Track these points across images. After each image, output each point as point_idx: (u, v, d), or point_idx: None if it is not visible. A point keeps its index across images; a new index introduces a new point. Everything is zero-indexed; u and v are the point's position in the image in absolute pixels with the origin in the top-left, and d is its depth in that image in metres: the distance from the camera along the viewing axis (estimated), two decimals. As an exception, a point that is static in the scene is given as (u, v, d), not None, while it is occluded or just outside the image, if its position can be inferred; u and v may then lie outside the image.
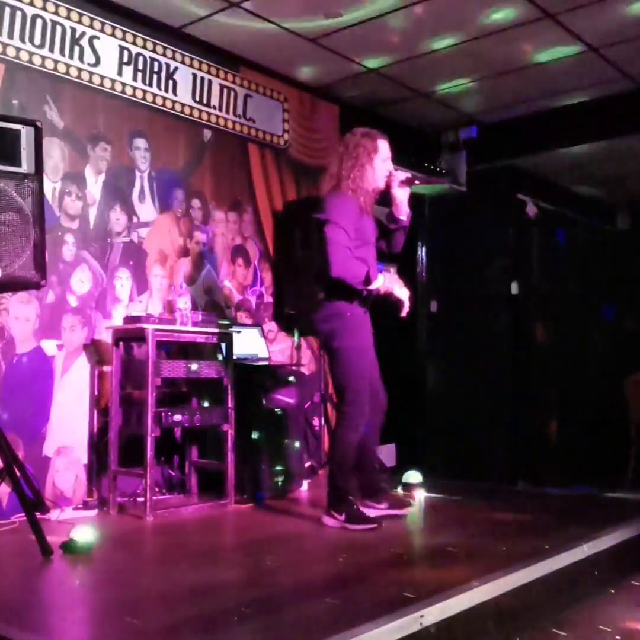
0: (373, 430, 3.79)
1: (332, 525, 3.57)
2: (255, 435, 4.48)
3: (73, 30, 4.34)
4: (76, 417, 4.28)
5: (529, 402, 6.34)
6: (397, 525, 3.76)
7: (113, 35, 4.54)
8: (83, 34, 4.38)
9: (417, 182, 3.82)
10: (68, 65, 4.32)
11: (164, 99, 4.83)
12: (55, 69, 4.26)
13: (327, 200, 3.69)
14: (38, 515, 3.18)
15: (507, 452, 6.14)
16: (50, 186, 4.20)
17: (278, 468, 4.56)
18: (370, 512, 3.70)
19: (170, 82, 4.86)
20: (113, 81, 4.54)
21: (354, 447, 3.61)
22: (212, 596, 2.65)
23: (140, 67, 4.68)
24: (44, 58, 4.20)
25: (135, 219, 4.68)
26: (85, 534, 3.16)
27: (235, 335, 4.48)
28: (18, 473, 3.19)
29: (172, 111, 4.87)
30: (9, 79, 4.06)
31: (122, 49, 4.59)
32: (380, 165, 3.72)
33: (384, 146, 3.76)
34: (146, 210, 4.75)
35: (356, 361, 3.63)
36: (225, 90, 5.19)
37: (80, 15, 4.37)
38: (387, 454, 5.75)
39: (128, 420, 4.23)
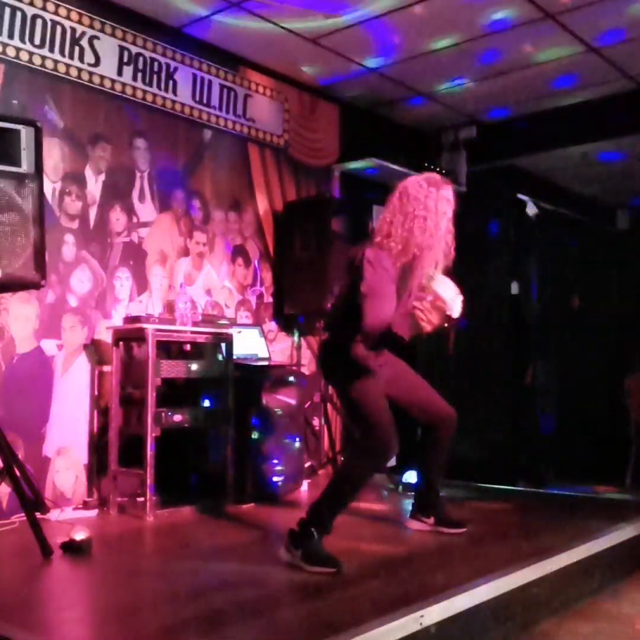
0: (441, 449, 3.54)
1: (286, 561, 2.99)
2: (255, 435, 4.48)
3: (73, 30, 4.33)
4: (76, 417, 4.28)
5: (529, 401, 6.35)
6: (397, 526, 3.76)
7: (113, 35, 4.54)
8: (83, 34, 4.38)
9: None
10: (68, 65, 4.31)
11: (164, 99, 4.83)
12: (55, 69, 4.25)
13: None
14: (38, 515, 3.19)
15: (507, 452, 6.14)
16: (50, 186, 4.19)
17: (278, 468, 4.56)
18: (418, 526, 3.61)
19: (170, 82, 4.86)
20: (113, 81, 4.54)
21: (366, 482, 3.09)
22: (212, 596, 2.65)
23: (140, 67, 4.68)
24: (44, 58, 4.20)
25: (135, 219, 4.67)
26: (85, 534, 3.16)
27: (235, 335, 4.49)
28: (18, 473, 3.19)
29: (172, 111, 4.87)
30: (9, 79, 4.05)
31: (122, 49, 4.58)
32: (442, 219, 3.10)
33: (448, 195, 3.13)
34: (146, 210, 4.74)
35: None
36: (225, 90, 5.19)
37: (80, 15, 4.37)
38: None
39: (128, 420, 4.23)
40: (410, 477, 4.84)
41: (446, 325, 3.01)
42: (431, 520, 3.57)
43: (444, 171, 6.45)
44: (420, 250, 3.07)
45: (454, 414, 3.46)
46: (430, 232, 3.07)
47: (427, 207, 3.07)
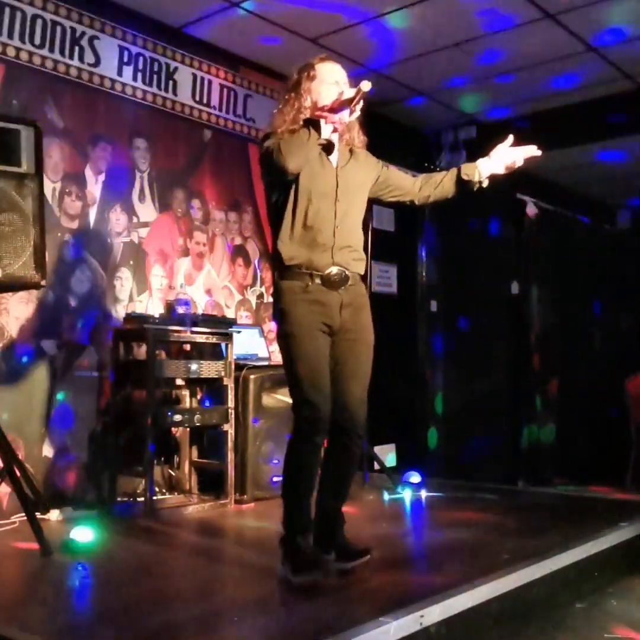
0: (337, 466, 2.91)
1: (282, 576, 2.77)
2: (255, 435, 4.47)
3: (73, 30, 4.33)
4: (76, 417, 4.28)
5: (529, 402, 6.34)
6: (397, 526, 3.76)
7: (113, 35, 4.54)
8: (83, 34, 4.38)
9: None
10: (68, 65, 4.31)
11: (164, 99, 4.83)
12: (55, 69, 4.25)
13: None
14: (38, 515, 3.19)
15: (507, 452, 6.15)
16: (50, 186, 4.19)
17: (278, 468, 4.55)
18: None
19: (170, 82, 4.86)
20: (113, 81, 4.54)
21: (309, 462, 2.84)
22: (212, 596, 2.65)
23: (140, 67, 4.68)
24: (44, 58, 4.20)
25: (135, 219, 4.67)
26: (85, 534, 3.16)
27: (235, 335, 4.49)
28: (18, 473, 3.19)
29: (172, 111, 4.87)
30: (9, 79, 4.05)
31: (122, 49, 4.58)
32: (324, 89, 2.89)
33: (325, 68, 2.93)
34: (146, 210, 4.74)
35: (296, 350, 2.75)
36: (225, 90, 5.19)
37: (80, 15, 4.37)
38: (387, 454, 5.75)
39: (128, 420, 4.23)
40: (412, 477, 4.85)
41: (348, 103, 2.89)
42: (332, 555, 2.89)
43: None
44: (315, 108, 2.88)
45: (358, 429, 2.85)
46: (317, 92, 2.90)
47: (301, 86, 2.91)
